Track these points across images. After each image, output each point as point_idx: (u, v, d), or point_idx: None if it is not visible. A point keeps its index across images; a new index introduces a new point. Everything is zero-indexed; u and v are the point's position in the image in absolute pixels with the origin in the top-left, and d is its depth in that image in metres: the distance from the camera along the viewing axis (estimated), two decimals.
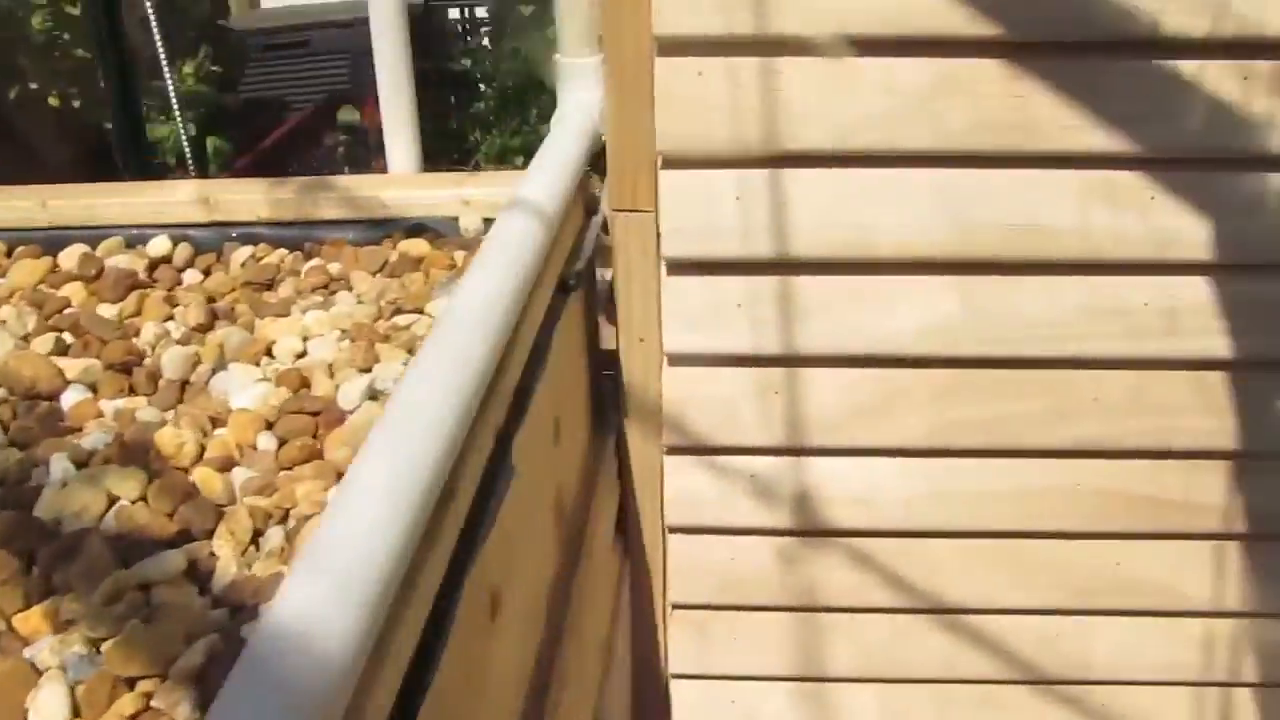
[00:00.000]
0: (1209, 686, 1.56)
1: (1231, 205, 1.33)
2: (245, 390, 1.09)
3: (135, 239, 1.44)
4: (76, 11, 3.62)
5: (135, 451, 0.99)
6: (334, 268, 1.36)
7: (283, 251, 1.42)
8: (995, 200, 1.32)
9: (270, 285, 1.34)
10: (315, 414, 1.04)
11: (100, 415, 1.07)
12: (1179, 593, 1.50)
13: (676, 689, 1.60)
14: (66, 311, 1.27)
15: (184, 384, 1.13)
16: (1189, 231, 1.33)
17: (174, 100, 3.26)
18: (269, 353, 1.18)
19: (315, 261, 1.38)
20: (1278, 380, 1.41)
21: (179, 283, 1.36)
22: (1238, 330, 1.38)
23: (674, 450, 1.47)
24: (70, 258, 1.38)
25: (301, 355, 1.17)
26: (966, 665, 1.55)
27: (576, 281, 1.31)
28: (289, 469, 0.98)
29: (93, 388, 1.12)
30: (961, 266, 1.35)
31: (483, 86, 4.42)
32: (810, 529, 1.48)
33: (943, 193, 1.32)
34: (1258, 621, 1.52)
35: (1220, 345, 1.38)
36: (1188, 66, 1.25)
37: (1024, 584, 1.50)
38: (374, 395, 1.07)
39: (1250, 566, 1.49)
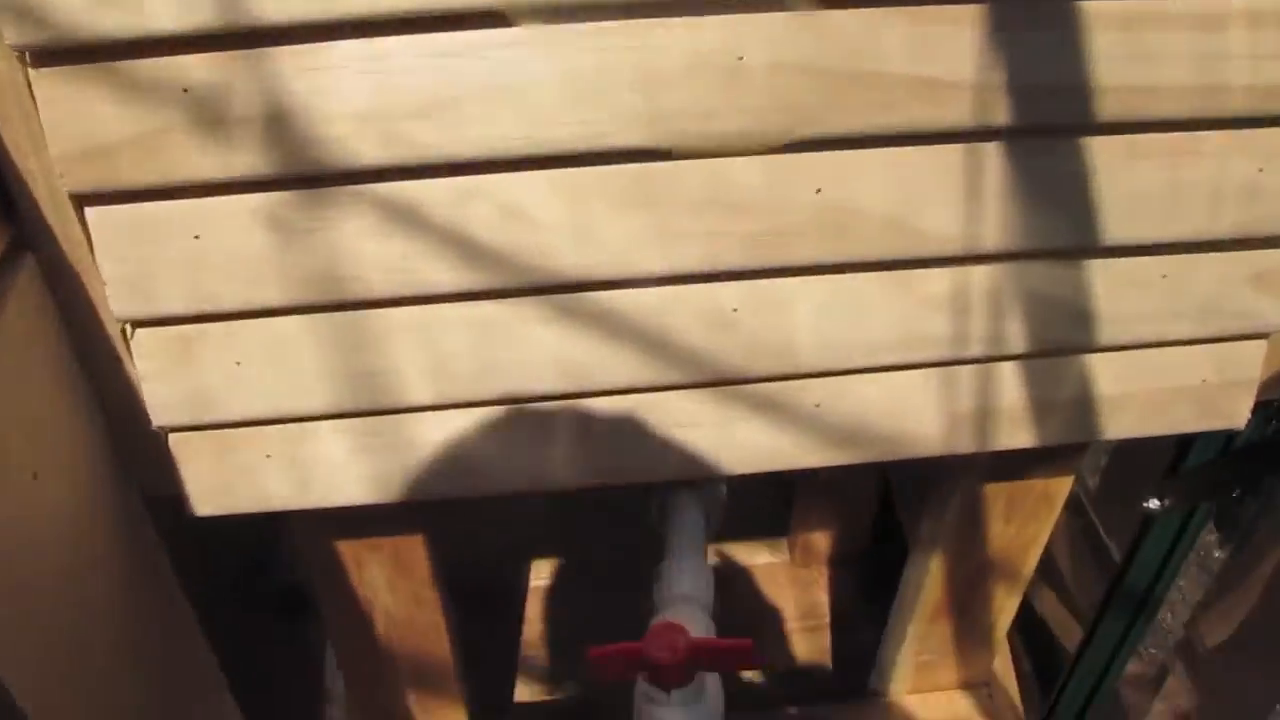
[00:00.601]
0: (962, 365, 1.06)
1: None
2: None
3: None
4: None
5: None
6: None
7: None
8: None
9: None
10: None
11: None
12: (913, 228, 0.97)
13: (179, 447, 1.04)
14: None
15: None
16: None
17: None
18: None
19: None
20: None
21: None
22: None
23: (39, 59, 0.83)
24: None
25: None
26: (605, 370, 1.01)
27: None
28: None
29: None
30: None
31: None
32: (303, 174, 0.88)
33: None
34: (1026, 265, 1.01)
35: None
36: None
37: (673, 232, 0.94)
38: None
39: (1017, 176, 0.95)
